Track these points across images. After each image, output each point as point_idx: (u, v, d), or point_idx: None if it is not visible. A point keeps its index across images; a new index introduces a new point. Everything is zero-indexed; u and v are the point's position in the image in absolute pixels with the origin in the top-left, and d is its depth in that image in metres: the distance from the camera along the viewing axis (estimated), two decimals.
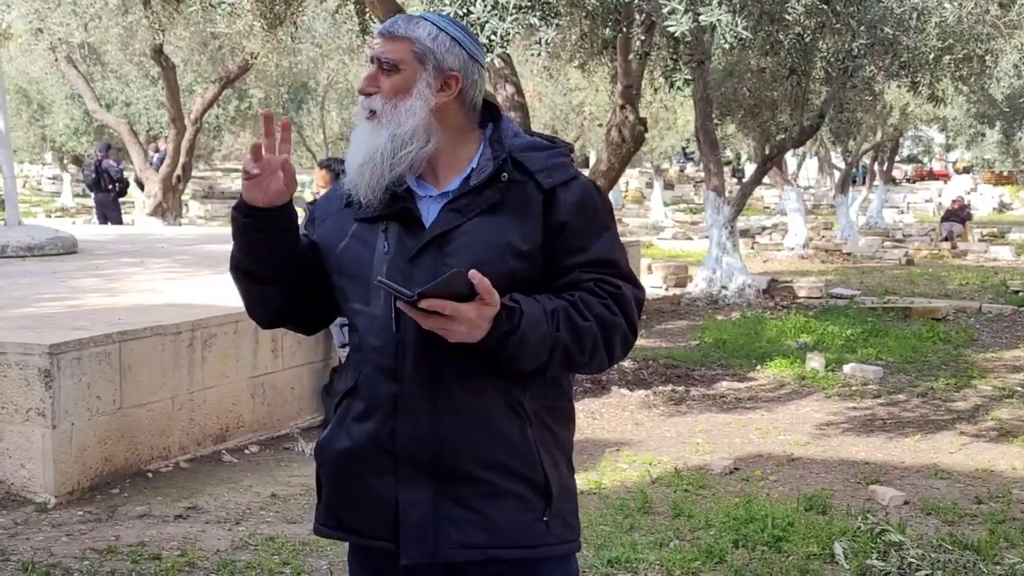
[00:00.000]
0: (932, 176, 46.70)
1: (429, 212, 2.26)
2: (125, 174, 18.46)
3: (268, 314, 2.45)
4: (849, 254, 20.71)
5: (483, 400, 2.20)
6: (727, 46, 6.23)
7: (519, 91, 9.00)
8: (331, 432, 2.34)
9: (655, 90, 12.09)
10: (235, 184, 39.86)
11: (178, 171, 16.91)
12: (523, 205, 2.23)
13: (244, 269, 2.38)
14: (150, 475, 6.15)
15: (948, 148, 36.79)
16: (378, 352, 2.23)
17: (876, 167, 28.80)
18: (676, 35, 6.28)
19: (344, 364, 2.41)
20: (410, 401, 2.20)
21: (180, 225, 17.49)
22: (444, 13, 5.84)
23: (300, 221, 2.39)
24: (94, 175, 17.90)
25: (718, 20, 5.88)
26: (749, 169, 29.72)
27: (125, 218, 18.79)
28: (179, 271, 9.39)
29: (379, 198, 2.25)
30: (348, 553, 2.44)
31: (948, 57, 10.38)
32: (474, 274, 2.05)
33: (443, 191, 2.27)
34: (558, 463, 2.29)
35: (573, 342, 2.18)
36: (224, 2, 8.08)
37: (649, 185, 36.10)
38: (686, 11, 5.97)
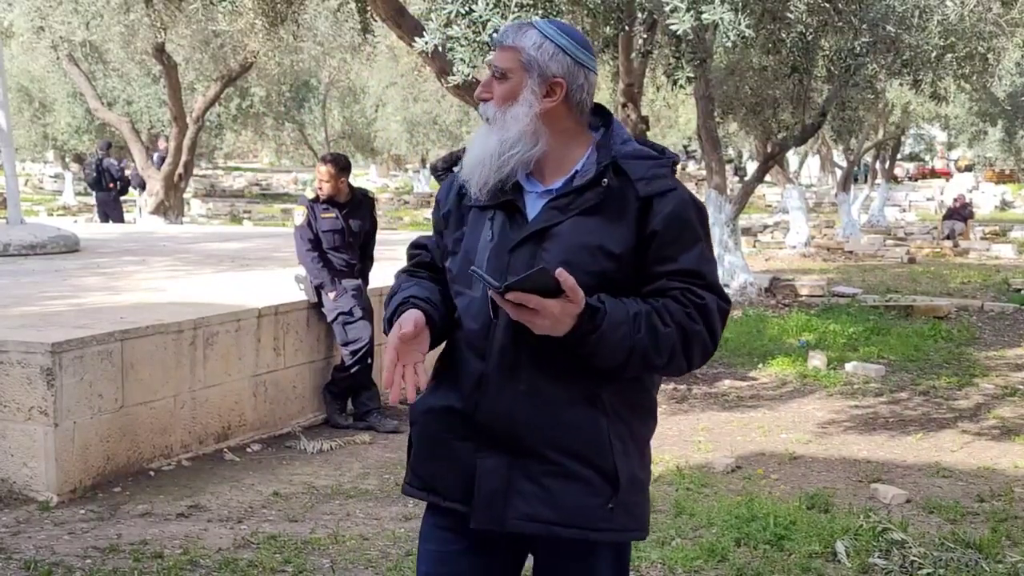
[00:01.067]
0: (934, 174, 46.75)
1: (533, 207, 2.40)
2: (126, 173, 18.45)
3: None
4: (851, 252, 20.70)
5: (560, 388, 2.33)
6: (729, 44, 6.23)
7: None
8: (425, 396, 2.45)
9: (657, 88, 12.11)
10: (236, 182, 39.91)
11: (180, 169, 16.92)
12: (620, 210, 2.35)
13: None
14: (152, 473, 6.15)
15: (950, 146, 36.78)
16: (472, 332, 2.39)
17: (878, 165, 28.80)
18: (678, 33, 6.28)
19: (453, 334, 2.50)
20: (493, 381, 2.34)
21: (182, 223, 17.50)
22: (447, 11, 5.87)
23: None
24: (95, 174, 17.90)
25: (720, 18, 5.87)
26: (751, 167, 29.72)
27: (127, 216, 18.79)
28: (181, 269, 9.39)
29: (489, 192, 2.40)
30: (424, 516, 2.56)
31: (950, 55, 10.37)
32: (561, 272, 2.17)
33: (548, 188, 2.41)
34: (631, 455, 2.40)
35: (652, 346, 2.29)
36: (225, 0, 8.07)
37: None
38: (688, 9, 5.96)
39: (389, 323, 2.42)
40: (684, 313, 2.31)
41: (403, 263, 2.66)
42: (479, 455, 2.36)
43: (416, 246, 2.65)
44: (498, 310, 2.29)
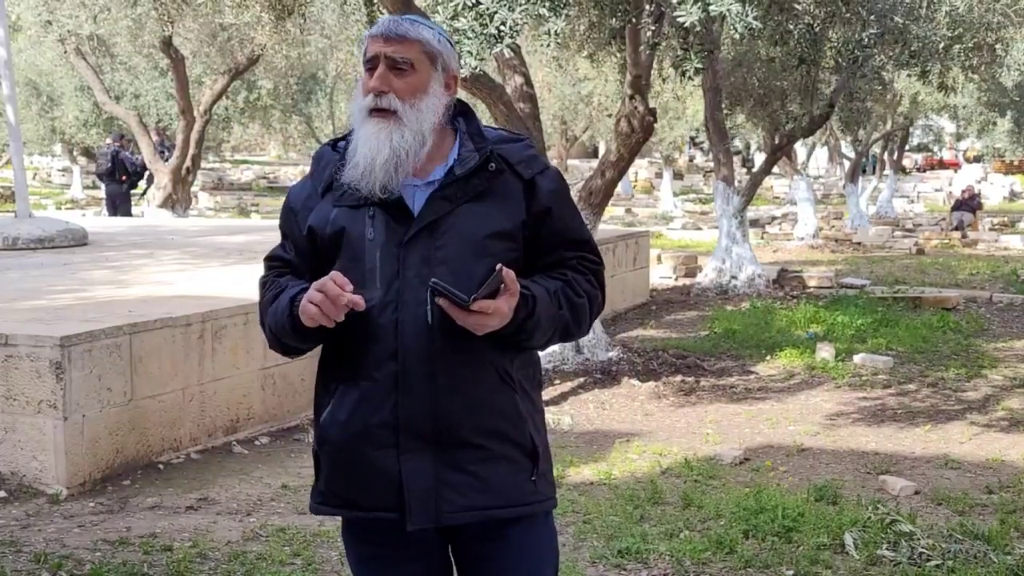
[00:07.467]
0: (942, 165, 46.54)
1: (415, 200, 2.37)
2: (137, 159, 18.43)
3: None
4: (859, 243, 20.64)
5: (478, 372, 2.36)
6: (737, 36, 6.22)
7: (528, 81, 8.99)
8: (331, 414, 2.42)
9: (664, 80, 12.07)
10: (244, 175, 39.91)
11: (187, 163, 16.93)
12: (506, 194, 2.40)
13: (295, 348, 2.48)
14: (161, 466, 6.17)
15: (958, 137, 36.62)
16: (377, 334, 2.34)
17: (886, 156, 28.73)
18: (685, 25, 6.26)
19: (326, 350, 2.47)
20: (411, 378, 2.32)
21: (189, 216, 17.51)
22: (454, 3, 5.86)
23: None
24: (109, 164, 17.89)
25: (728, 10, 5.85)
26: (759, 159, 29.65)
27: (135, 210, 18.81)
28: (189, 263, 9.41)
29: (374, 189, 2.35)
30: (342, 530, 2.57)
31: (958, 46, 10.34)
32: (501, 267, 2.23)
33: (428, 180, 2.39)
34: (539, 427, 2.50)
35: (572, 318, 2.43)
36: None
37: (658, 175, 36.03)
38: (695, 1, 5.95)
39: (289, 316, 2.35)
40: (587, 281, 2.46)
41: None
42: (402, 460, 2.34)
43: (272, 259, 2.54)
44: (401, 306, 2.30)
